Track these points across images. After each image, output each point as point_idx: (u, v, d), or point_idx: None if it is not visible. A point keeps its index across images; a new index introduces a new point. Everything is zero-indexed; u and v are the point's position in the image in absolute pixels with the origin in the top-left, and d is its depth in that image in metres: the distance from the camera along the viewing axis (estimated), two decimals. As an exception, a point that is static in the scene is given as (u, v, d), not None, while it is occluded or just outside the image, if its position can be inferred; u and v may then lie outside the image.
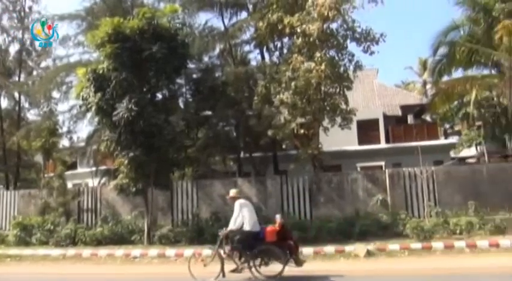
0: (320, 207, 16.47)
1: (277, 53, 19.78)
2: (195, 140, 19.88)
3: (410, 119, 27.22)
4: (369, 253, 12.13)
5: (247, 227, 9.11)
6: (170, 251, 13.64)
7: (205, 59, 22.06)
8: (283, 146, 19.44)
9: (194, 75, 20.00)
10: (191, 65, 19.24)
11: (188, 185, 17.96)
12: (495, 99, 18.77)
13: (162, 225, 16.32)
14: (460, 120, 25.58)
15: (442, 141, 25.34)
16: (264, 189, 17.20)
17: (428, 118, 28.82)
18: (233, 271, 9.08)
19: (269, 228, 9.24)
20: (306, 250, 12.81)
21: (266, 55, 21.30)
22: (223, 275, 9.02)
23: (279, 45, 19.54)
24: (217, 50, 22.47)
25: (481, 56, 17.23)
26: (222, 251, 9.27)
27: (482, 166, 19.07)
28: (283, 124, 17.07)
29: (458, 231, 13.98)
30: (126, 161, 14.40)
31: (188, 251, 13.27)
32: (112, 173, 19.62)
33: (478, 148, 27.18)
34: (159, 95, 15.99)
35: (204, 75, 19.73)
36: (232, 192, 9.91)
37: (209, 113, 19.97)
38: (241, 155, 21.99)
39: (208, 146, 19.56)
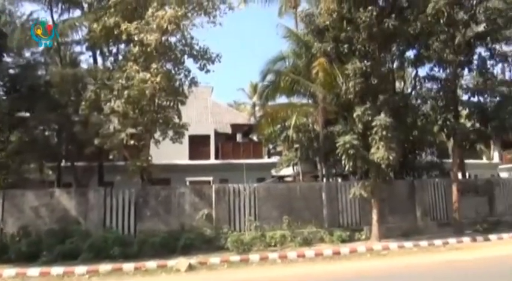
0: (145, 221, 16.03)
1: (111, 58, 18.78)
2: (6, 143, 17.42)
3: (239, 137, 28.77)
4: (190, 267, 12.28)
5: None
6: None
7: (27, 54, 19.72)
8: (111, 157, 18.42)
9: (11, 71, 17.62)
10: (8, 59, 16.99)
11: (-8, 195, 15.51)
12: (310, 125, 21.19)
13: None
14: (282, 142, 28.03)
15: (265, 160, 27.47)
16: (86, 201, 15.94)
17: (255, 138, 30.91)
18: None
19: None
20: (127, 266, 12.31)
21: (99, 59, 20.11)
22: None
23: (114, 50, 18.62)
24: (42, 46, 20.30)
25: (301, 87, 19.32)
26: None
27: (296, 184, 21.25)
28: (112, 133, 16.22)
29: (273, 243, 15.28)
30: None
31: (-17, 272, 11.47)
32: None
33: (295, 167, 30.17)
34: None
35: (24, 72, 17.51)
36: None
37: (26, 114, 17.79)
38: (62, 163, 20.10)
39: (22, 151, 17.30)
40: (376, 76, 16.32)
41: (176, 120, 17.08)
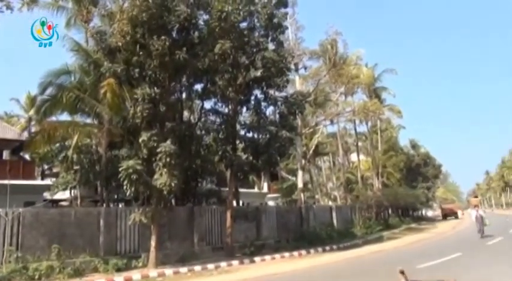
0: None
1: None
2: None
3: (6, 154, 25.06)
4: None
5: None
6: None
7: None
8: None
9: None
10: None
11: None
12: (94, 147, 20.11)
13: None
14: (59, 163, 25.68)
15: (38, 181, 24.64)
16: None
17: (26, 156, 27.44)
18: None
19: None
20: None
21: None
22: None
23: None
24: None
25: (86, 105, 18.23)
26: None
27: (71, 209, 19.53)
28: None
29: (37, 276, 13.67)
30: None
31: None
32: None
33: (73, 191, 27.91)
34: None
35: None
36: None
37: None
38: None
39: None
40: (164, 104, 16.71)
41: None
